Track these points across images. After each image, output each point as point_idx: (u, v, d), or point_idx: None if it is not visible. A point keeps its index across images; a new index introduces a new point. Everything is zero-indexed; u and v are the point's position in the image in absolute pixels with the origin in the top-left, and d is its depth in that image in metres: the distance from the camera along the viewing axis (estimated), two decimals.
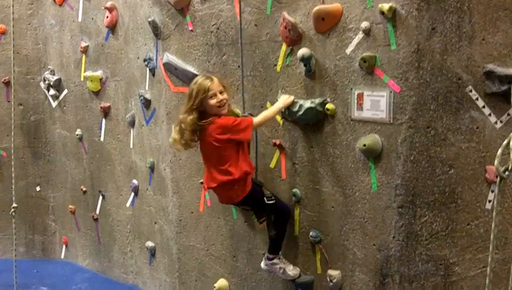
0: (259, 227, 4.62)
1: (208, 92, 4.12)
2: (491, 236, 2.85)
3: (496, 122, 3.50)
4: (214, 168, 4.23)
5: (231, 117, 4.22)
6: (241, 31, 4.46)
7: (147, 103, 5.63)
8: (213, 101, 4.13)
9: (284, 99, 4.25)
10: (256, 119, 4.24)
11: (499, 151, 2.77)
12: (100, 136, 6.61)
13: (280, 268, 4.44)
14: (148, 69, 5.53)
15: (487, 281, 2.91)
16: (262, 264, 4.53)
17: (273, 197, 4.37)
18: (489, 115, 3.51)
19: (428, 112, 3.63)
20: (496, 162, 2.77)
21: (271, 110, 4.29)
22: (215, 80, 4.21)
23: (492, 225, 2.84)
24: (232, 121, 4.14)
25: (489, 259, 2.87)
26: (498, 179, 2.82)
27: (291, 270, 4.44)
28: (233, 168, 4.18)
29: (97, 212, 6.86)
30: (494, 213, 2.83)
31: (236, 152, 4.20)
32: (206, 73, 4.76)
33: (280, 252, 4.47)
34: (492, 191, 3.56)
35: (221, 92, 4.17)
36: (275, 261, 4.43)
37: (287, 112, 4.28)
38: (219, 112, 4.16)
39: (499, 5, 3.41)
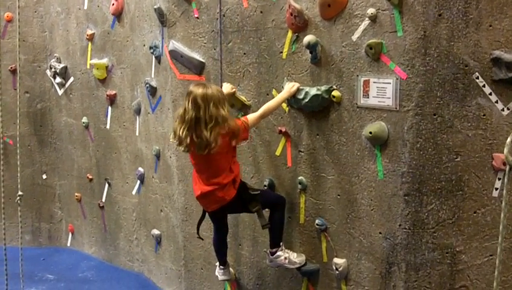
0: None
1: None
2: (501, 226, 2.83)
3: (502, 109, 3.48)
4: (217, 172, 4.20)
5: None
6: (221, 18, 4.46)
7: (152, 91, 5.62)
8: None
9: (288, 89, 4.24)
10: (258, 113, 4.25)
11: (509, 139, 2.75)
12: (106, 123, 6.61)
13: (285, 258, 4.43)
14: (154, 57, 5.52)
15: (496, 272, 2.89)
16: (268, 261, 4.54)
17: (258, 190, 4.39)
18: (496, 102, 3.49)
19: (435, 99, 3.60)
20: (505, 150, 2.75)
21: (275, 101, 4.27)
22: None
23: (502, 215, 2.82)
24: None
25: (499, 249, 2.85)
26: (507, 167, 2.79)
27: (296, 258, 4.44)
28: (234, 167, 4.26)
29: (103, 200, 6.88)
30: (503, 203, 2.80)
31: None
32: (213, 61, 4.76)
33: (281, 243, 4.47)
34: (499, 179, 3.54)
35: None
36: (278, 253, 4.43)
37: (293, 99, 4.26)
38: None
39: None
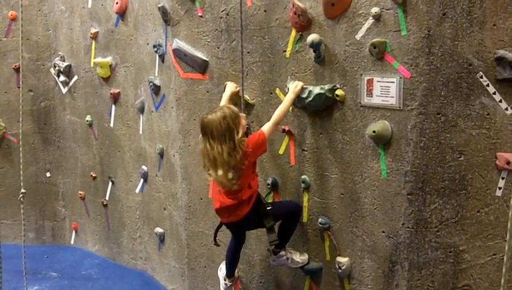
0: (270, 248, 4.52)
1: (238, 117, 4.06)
2: (509, 224, 2.83)
3: (506, 109, 3.48)
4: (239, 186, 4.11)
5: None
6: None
7: (156, 89, 5.62)
8: (244, 122, 4.10)
9: (293, 89, 4.22)
10: (271, 122, 4.18)
11: None
12: (110, 122, 6.62)
13: (287, 258, 4.44)
14: (157, 55, 5.52)
15: (504, 270, 2.89)
16: (271, 260, 4.56)
17: (270, 204, 4.34)
18: (500, 101, 3.49)
19: (439, 98, 3.60)
20: None
21: (284, 105, 4.23)
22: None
23: (510, 213, 2.81)
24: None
25: (506, 247, 2.84)
26: None
27: (299, 257, 4.45)
28: (253, 183, 4.20)
29: (107, 198, 6.89)
30: (511, 201, 2.81)
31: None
32: (216, 60, 4.77)
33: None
34: (503, 178, 3.54)
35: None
36: (281, 253, 4.44)
37: (296, 98, 4.25)
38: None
39: None
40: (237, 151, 3.91)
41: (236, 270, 4.76)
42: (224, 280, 4.72)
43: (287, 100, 4.24)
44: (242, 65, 4.53)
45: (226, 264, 4.68)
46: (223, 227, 4.44)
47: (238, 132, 3.94)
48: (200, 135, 4.06)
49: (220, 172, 3.94)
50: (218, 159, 3.92)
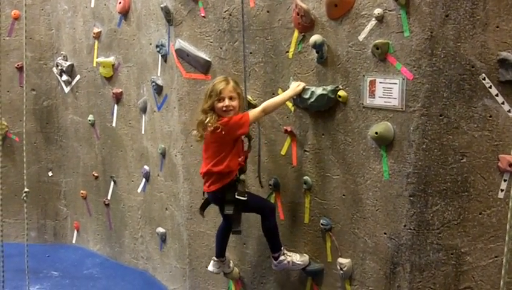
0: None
1: (219, 95, 4.18)
2: (507, 226, 2.82)
3: (509, 111, 3.47)
4: (210, 159, 4.29)
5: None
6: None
7: (158, 89, 5.63)
8: (219, 105, 4.18)
9: (294, 87, 4.25)
10: (260, 108, 4.29)
11: None
12: (112, 122, 6.62)
13: (288, 262, 4.45)
14: (160, 55, 5.53)
15: (503, 271, 2.89)
16: (273, 266, 4.56)
17: (245, 195, 4.34)
18: (503, 103, 3.48)
19: (441, 99, 3.60)
20: None
21: (279, 98, 4.30)
22: (230, 84, 4.25)
23: (509, 215, 2.81)
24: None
25: (505, 249, 2.84)
26: None
27: (300, 259, 4.44)
28: (230, 163, 4.27)
29: (108, 197, 6.89)
30: (510, 203, 2.80)
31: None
32: (219, 60, 4.77)
33: (282, 248, 4.47)
34: (505, 181, 3.54)
35: (231, 98, 4.21)
36: (280, 258, 4.45)
37: (299, 98, 4.26)
38: (223, 116, 4.20)
39: None
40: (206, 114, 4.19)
41: (226, 253, 4.84)
42: (213, 258, 4.82)
43: (283, 95, 4.31)
44: (244, 67, 4.53)
45: (215, 245, 4.78)
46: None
47: (206, 102, 4.23)
48: None
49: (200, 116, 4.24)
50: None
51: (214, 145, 4.25)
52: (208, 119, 4.15)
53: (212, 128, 4.13)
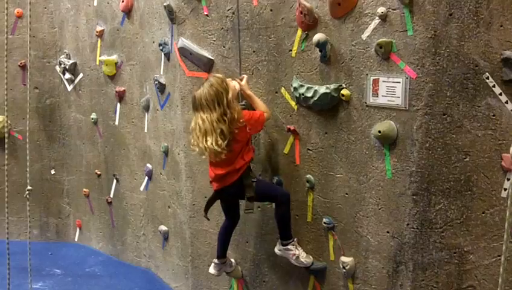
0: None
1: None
2: (506, 225, 2.82)
3: None
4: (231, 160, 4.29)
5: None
6: None
7: (161, 88, 5.63)
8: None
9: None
10: (266, 109, 4.51)
11: None
12: (115, 120, 6.63)
13: (293, 255, 4.43)
14: (163, 54, 5.53)
15: (501, 269, 2.89)
16: (276, 249, 4.54)
17: (256, 179, 4.46)
18: (506, 102, 3.48)
19: (445, 98, 3.60)
20: None
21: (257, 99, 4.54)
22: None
23: (507, 213, 2.81)
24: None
25: (504, 247, 2.84)
26: None
27: (305, 258, 4.43)
28: (247, 155, 4.37)
29: (111, 195, 6.90)
30: (509, 201, 2.80)
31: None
32: (222, 59, 4.78)
33: (295, 239, 4.47)
34: (508, 180, 3.54)
35: None
36: (289, 247, 4.43)
37: (302, 97, 4.26)
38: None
39: None
40: (227, 113, 4.09)
41: (228, 252, 4.86)
42: (214, 260, 4.83)
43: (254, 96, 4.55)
44: (240, 66, 4.54)
45: (217, 245, 4.78)
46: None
47: (227, 93, 4.14)
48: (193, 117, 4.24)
49: (210, 139, 4.09)
50: (208, 128, 4.09)
51: (238, 145, 4.25)
52: (237, 116, 4.16)
53: (242, 125, 4.19)
